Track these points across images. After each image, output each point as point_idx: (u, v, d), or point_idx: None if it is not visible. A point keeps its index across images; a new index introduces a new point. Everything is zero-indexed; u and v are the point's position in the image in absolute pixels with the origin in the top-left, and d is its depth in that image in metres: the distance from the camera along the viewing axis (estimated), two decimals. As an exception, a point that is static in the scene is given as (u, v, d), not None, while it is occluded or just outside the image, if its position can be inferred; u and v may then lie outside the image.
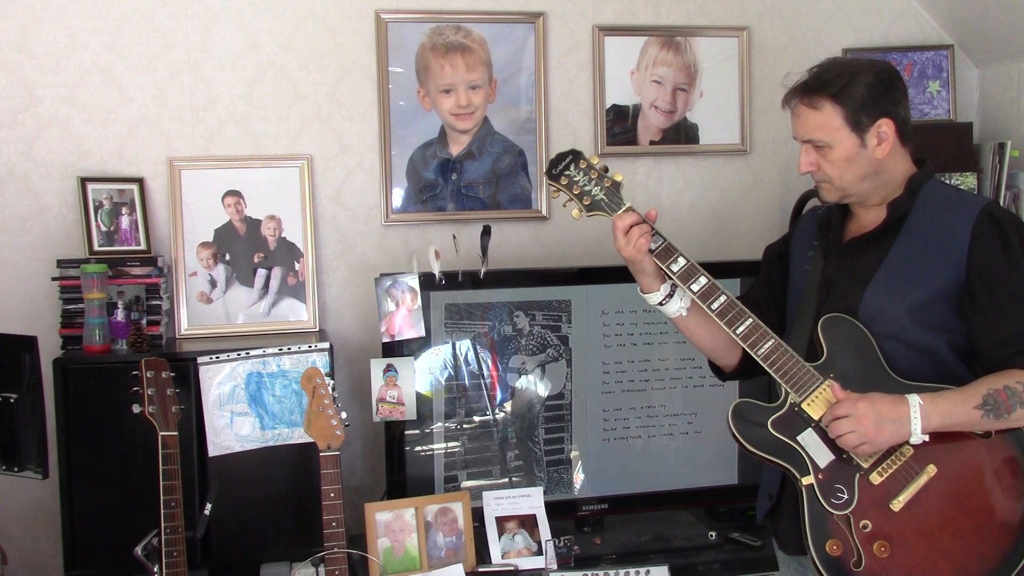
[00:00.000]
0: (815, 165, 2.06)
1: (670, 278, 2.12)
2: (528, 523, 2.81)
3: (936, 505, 1.97)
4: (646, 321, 3.00)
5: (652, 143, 3.37)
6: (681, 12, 3.36)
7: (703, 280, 2.08)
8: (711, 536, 2.94)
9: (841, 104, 1.99)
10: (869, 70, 2.03)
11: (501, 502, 2.82)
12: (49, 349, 2.73)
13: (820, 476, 1.98)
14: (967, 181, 3.23)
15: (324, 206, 3.14)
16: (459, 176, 3.22)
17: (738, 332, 2.05)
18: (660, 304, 2.18)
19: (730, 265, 2.99)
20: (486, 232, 2.89)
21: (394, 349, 2.83)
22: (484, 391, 2.94)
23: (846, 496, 1.97)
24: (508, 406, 2.96)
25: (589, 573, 2.70)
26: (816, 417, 2.00)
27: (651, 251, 2.11)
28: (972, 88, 3.56)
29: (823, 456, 1.99)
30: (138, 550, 2.40)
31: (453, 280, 2.86)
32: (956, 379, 1.99)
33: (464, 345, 2.91)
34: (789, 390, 2.02)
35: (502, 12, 3.22)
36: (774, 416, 2.02)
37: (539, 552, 2.75)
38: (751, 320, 2.05)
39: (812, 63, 2.11)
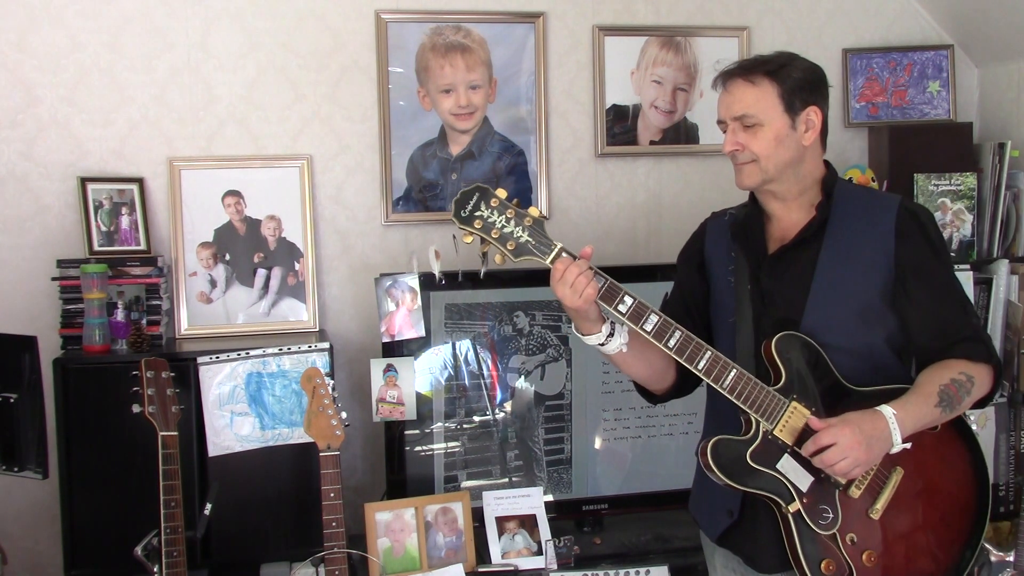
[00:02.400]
0: (741, 145, 2.04)
1: (618, 320, 2.00)
2: (528, 523, 2.81)
3: (908, 505, 2.02)
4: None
5: (652, 143, 3.37)
6: (681, 12, 3.36)
7: (654, 318, 1.97)
8: (711, 536, 2.94)
9: (778, 82, 2.02)
10: (805, 61, 2.08)
11: (501, 502, 2.82)
12: (49, 349, 2.73)
13: (805, 500, 1.97)
14: (967, 181, 3.23)
15: (324, 206, 3.14)
16: (459, 176, 3.22)
17: (699, 368, 1.98)
18: (601, 344, 2.04)
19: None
20: (486, 232, 2.90)
21: (394, 349, 2.83)
22: (484, 391, 2.94)
23: (831, 515, 1.98)
24: (508, 406, 2.96)
25: (589, 573, 2.70)
26: (789, 442, 1.98)
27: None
28: (972, 88, 3.57)
29: (803, 480, 1.97)
30: (138, 550, 2.40)
31: (453, 280, 2.86)
32: (891, 376, 2.04)
33: (464, 345, 2.91)
34: (759, 419, 1.98)
35: (502, 12, 3.22)
36: (751, 448, 1.98)
37: (539, 552, 2.75)
38: (710, 353, 1.98)
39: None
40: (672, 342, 1.98)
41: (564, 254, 1.93)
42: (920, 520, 2.03)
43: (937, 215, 3.16)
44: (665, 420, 3.04)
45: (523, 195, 3.26)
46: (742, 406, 1.99)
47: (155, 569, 2.40)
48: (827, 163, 2.14)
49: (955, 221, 3.23)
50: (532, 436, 2.98)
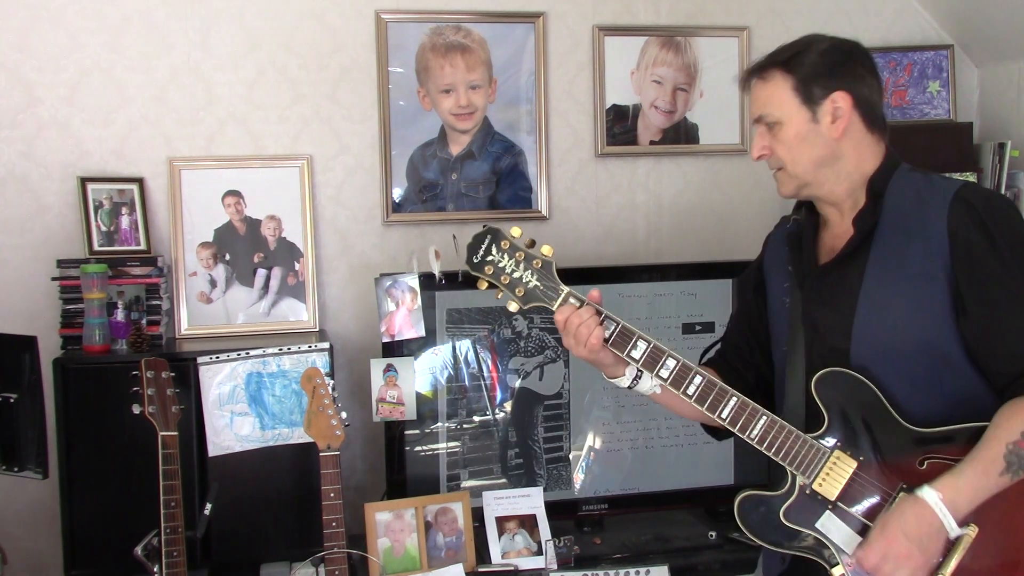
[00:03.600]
0: (768, 149, 1.84)
1: (633, 364, 1.84)
2: (528, 523, 2.81)
3: (988, 569, 1.71)
4: (646, 317, 3.00)
5: (652, 143, 3.37)
6: (681, 12, 3.36)
7: (671, 362, 1.80)
8: (711, 536, 2.94)
9: (791, 72, 1.80)
10: (827, 40, 1.84)
11: (501, 502, 2.82)
12: (49, 349, 2.73)
13: (850, 564, 1.75)
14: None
15: (324, 206, 3.14)
16: (459, 176, 3.22)
17: (723, 417, 1.80)
18: (630, 387, 1.89)
19: (730, 265, 2.99)
20: (486, 232, 2.89)
21: (394, 349, 2.83)
22: (484, 391, 2.94)
23: None
24: (508, 406, 2.96)
25: (589, 573, 2.70)
26: (832, 497, 1.76)
27: (605, 340, 1.81)
28: (972, 88, 3.57)
29: (848, 540, 1.75)
30: (138, 550, 2.40)
31: (453, 280, 2.86)
32: (977, 400, 1.75)
33: (464, 345, 2.91)
34: (795, 472, 1.78)
35: (502, 12, 3.22)
36: (786, 505, 1.78)
37: (539, 552, 2.75)
38: (736, 400, 1.80)
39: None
40: (691, 390, 1.81)
41: (571, 299, 1.82)
42: None
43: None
44: (664, 420, 3.04)
45: (523, 195, 3.27)
46: (774, 458, 1.79)
47: (155, 569, 2.40)
48: (887, 153, 1.87)
49: (955, 221, 3.23)
50: (532, 436, 2.98)
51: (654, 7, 3.35)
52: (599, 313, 1.82)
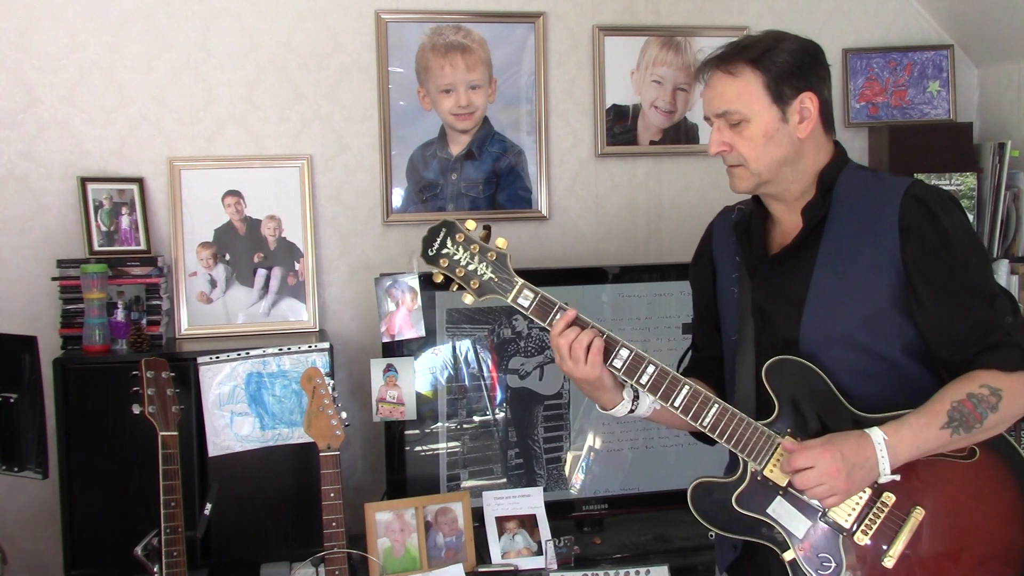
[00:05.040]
0: (727, 145, 1.83)
1: (615, 375, 1.84)
2: (528, 523, 2.81)
3: (933, 549, 1.77)
4: (646, 317, 3.00)
5: (652, 143, 3.37)
6: (681, 12, 3.36)
7: (625, 352, 1.82)
8: (711, 536, 2.91)
9: (762, 70, 1.79)
10: (794, 40, 1.86)
11: (501, 502, 2.82)
12: (49, 349, 2.73)
13: (801, 549, 1.78)
14: (967, 181, 3.23)
15: (324, 206, 3.14)
16: (459, 176, 3.22)
17: (676, 405, 1.82)
18: (631, 411, 1.90)
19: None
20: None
21: (394, 349, 2.83)
22: (484, 391, 2.94)
23: (833, 564, 1.77)
24: (507, 406, 2.96)
25: (589, 573, 2.70)
26: (782, 483, 1.79)
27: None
28: (972, 88, 3.57)
29: (799, 525, 1.79)
30: (138, 550, 2.40)
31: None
32: (922, 391, 1.78)
33: (464, 345, 2.91)
34: (745, 458, 1.81)
35: (502, 12, 3.22)
36: (737, 492, 1.81)
37: (539, 552, 2.75)
38: (688, 388, 1.81)
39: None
40: (644, 379, 1.82)
41: (526, 291, 1.84)
42: (952, 567, 1.77)
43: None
44: (665, 420, 3.04)
45: (523, 195, 3.27)
46: (726, 445, 1.82)
47: (155, 569, 2.40)
48: (837, 149, 1.90)
49: (955, 221, 3.23)
50: (532, 436, 2.98)
51: (654, 7, 3.35)
52: (593, 327, 1.83)
